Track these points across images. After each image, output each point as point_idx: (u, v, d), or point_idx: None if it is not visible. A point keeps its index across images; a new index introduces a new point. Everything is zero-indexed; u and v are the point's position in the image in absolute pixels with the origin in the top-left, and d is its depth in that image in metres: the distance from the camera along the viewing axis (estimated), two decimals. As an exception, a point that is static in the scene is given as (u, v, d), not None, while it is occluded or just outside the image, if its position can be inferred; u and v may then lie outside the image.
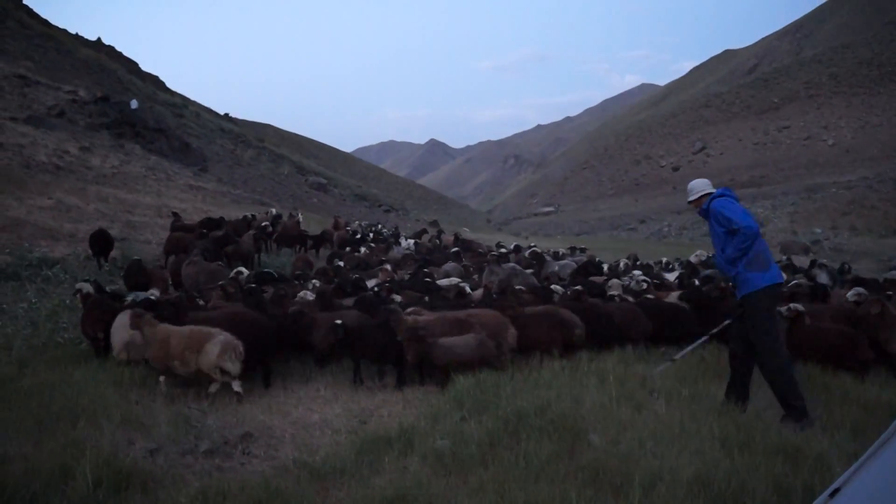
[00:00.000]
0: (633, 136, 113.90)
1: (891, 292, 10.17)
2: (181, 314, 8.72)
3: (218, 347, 7.47)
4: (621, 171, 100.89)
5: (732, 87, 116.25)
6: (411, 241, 21.92)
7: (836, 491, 2.99)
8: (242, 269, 12.44)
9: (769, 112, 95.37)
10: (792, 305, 8.59)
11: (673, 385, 7.55)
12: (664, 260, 18.87)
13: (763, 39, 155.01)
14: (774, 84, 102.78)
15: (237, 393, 7.57)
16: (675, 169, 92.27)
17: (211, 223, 17.61)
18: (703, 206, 7.30)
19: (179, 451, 5.95)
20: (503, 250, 18.53)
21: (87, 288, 9.65)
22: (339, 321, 8.33)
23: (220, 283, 11.41)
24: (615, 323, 9.65)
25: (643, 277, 13.29)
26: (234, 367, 7.52)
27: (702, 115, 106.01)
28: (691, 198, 7.49)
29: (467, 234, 30.09)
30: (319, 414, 7.26)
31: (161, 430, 6.35)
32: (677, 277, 14.41)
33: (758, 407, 6.88)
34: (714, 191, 7.33)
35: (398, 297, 10.60)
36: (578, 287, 10.96)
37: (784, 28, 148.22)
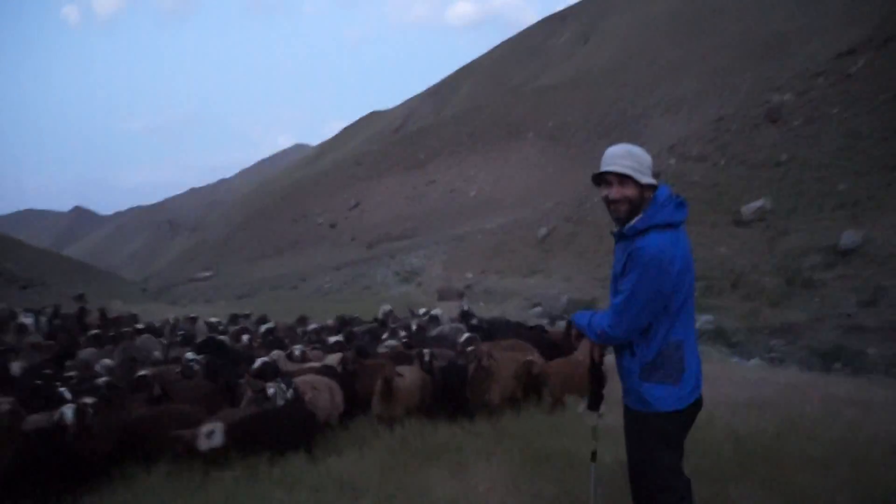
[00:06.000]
0: (289, 196, 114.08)
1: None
2: None
3: None
4: (279, 231, 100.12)
5: (381, 145, 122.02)
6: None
7: None
8: None
9: (416, 168, 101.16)
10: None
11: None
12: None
13: (407, 101, 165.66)
14: (419, 142, 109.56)
15: None
16: (332, 226, 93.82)
17: None
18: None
19: None
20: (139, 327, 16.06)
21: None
22: None
23: None
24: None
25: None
26: None
27: (354, 173, 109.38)
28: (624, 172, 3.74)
29: (120, 307, 26.88)
30: None
31: None
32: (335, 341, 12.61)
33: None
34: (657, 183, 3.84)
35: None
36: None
37: (426, 91, 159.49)
